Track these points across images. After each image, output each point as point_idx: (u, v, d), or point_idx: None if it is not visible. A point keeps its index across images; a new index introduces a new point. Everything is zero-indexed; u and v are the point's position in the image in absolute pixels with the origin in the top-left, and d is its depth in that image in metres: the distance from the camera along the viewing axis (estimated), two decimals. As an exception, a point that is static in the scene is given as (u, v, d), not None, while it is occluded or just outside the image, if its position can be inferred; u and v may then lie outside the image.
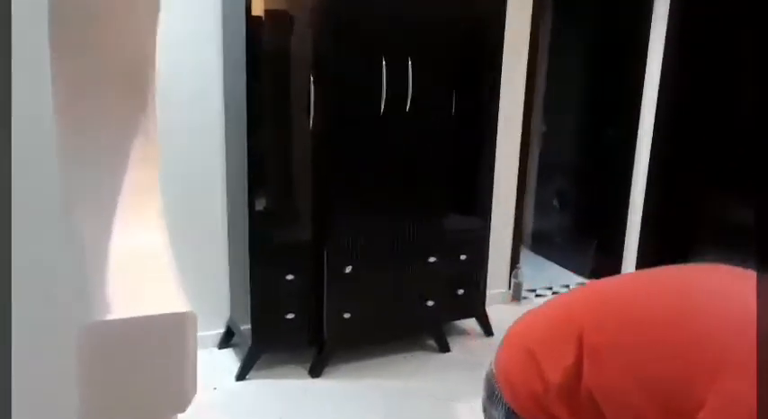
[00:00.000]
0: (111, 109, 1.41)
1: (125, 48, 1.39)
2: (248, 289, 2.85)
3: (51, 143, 1.21)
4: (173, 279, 1.34)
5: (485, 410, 1.41)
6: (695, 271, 1.31)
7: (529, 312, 1.45)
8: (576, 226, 4.71)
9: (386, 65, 2.84)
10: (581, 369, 1.21)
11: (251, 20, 2.69)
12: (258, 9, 2.82)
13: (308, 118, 2.84)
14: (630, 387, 1.14)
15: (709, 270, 1.30)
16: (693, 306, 1.17)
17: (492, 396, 1.36)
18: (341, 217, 2.93)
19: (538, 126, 4.66)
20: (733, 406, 1.00)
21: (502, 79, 3.33)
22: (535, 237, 4.96)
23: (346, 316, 2.96)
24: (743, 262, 1.23)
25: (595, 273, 4.42)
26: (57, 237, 1.26)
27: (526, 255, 4.21)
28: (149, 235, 1.43)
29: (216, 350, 3.17)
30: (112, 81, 1.39)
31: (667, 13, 3.99)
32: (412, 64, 2.88)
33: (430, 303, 3.14)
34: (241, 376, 2.92)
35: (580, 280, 4.42)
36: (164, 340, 1.22)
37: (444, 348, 3.24)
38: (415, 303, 3.13)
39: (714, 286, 1.20)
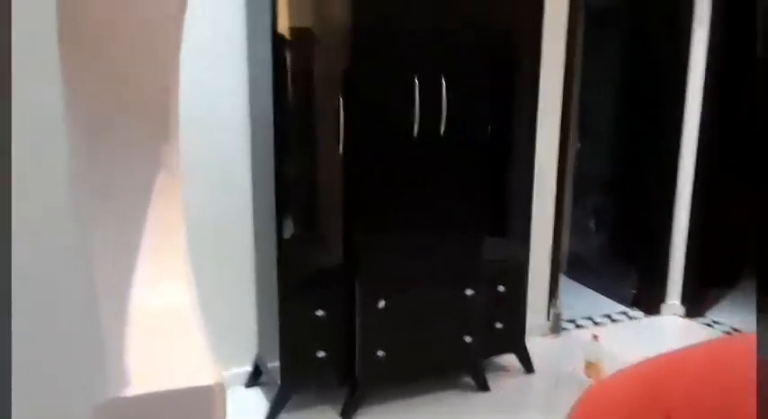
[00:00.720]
0: (131, 141, 1.25)
1: (146, 74, 1.23)
2: (277, 324, 2.68)
3: (65, 198, 1.05)
4: (200, 341, 1.17)
5: None
6: None
7: (593, 386, 1.25)
8: (615, 249, 4.48)
9: (418, 84, 2.68)
10: None
11: (277, 40, 2.55)
12: (283, 28, 2.67)
13: (338, 141, 2.68)
14: None
15: None
16: None
17: None
18: (373, 247, 2.76)
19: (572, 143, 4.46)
20: None
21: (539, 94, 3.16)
22: (570, 262, 4.73)
23: (380, 353, 2.77)
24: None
25: (638, 302, 4.18)
26: (73, 297, 1.09)
27: (562, 282, 3.98)
28: (175, 287, 1.26)
29: (242, 389, 2.99)
30: (132, 110, 1.24)
31: (709, 17, 3.79)
32: (446, 83, 2.72)
33: (467, 339, 2.94)
34: (270, 418, 2.74)
35: (622, 308, 4.18)
36: (189, 416, 1.05)
37: (483, 387, 3.03)
38: (451, 339, 2.93)
39: None
